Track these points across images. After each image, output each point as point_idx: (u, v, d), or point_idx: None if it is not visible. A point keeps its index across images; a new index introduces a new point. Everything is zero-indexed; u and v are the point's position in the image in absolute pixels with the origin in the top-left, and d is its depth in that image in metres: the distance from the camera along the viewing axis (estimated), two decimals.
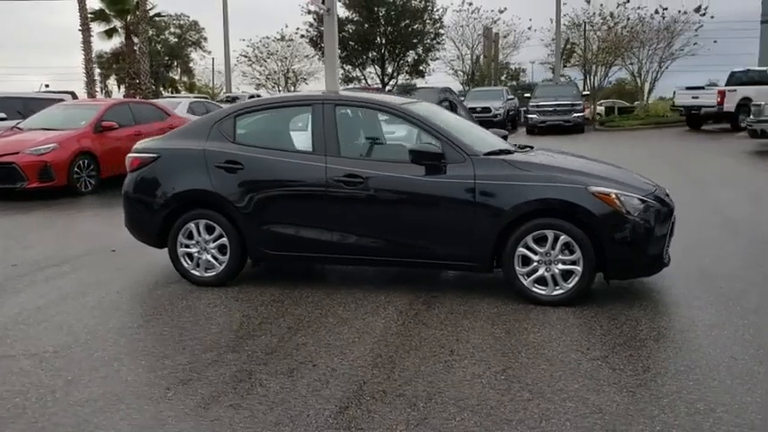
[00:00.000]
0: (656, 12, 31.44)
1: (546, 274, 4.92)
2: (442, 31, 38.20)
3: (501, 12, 37.36)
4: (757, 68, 27.62)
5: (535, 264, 4.93)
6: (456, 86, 35.45)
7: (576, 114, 26.50)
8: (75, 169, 11.49)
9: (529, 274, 4.97)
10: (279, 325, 4.70)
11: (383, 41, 37.59)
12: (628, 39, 32.32)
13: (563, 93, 27.79)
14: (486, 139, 5.62)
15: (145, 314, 5.03)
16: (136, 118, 13.08)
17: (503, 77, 43.21)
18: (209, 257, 5.63)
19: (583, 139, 23.00)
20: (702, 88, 25.96)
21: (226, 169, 5.47)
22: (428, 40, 38.44)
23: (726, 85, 25.91)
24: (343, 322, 4.72)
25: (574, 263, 4.86)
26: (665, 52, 31.96)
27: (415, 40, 37.85)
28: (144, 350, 4.30)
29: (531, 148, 5.64)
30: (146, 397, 3.61)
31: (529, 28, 50.06)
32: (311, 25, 37.86)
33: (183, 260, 5.70)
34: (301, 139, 5.58)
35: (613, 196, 4.81)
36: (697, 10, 31.09)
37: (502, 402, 3.44)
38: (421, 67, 39.11)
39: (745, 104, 24.62)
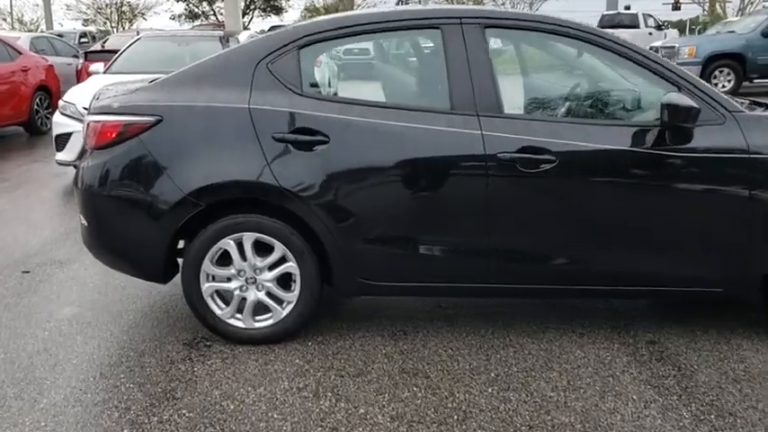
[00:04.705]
0: None
1: None
2: None
3: None
4: (626, 12, 27.82)
5: None
6: None
7: None
8: None
9: None
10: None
11: None
12: None
13: None
14: None
15: (205, 417, 2.59)
16: None
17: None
18: (261, 296, 3.22)
19: None
20: None
21: (295, 144, 3.05)
22: None
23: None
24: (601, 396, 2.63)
25: None
26: None
27: None
28: None
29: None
30: None
31: None
32: None
33: (211, 302, 3.25)
34: (427, 89, 3.26)
35: None
36: None
37: None
38: (276, 2, 35.72)
39: None
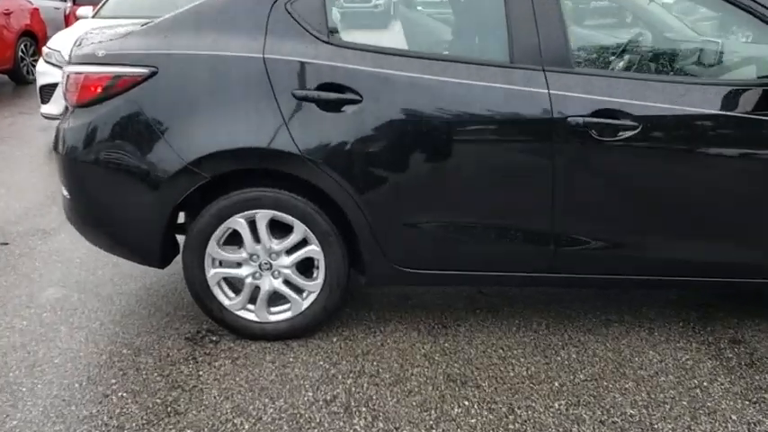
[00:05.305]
0: None
1: None
2: None
3: None
4: None
5: None
6: None
7: None
8: None
9: None
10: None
11: None
12: None
13: None
14: None
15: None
16: None
17: None
18: (277, 284, 2.70)
19: None
20: None
21: (320, 103, 2.49)
22: None
23: None
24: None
25: None
26: None
27: None
28: None
29: None
30: None
31: None
32: None
33: (218, 291, 2.73)
34: (481, 37, 2.69)
35: None
36: None
37: None
38: None
39: None
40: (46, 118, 6.23)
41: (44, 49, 6.43)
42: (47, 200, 4.62)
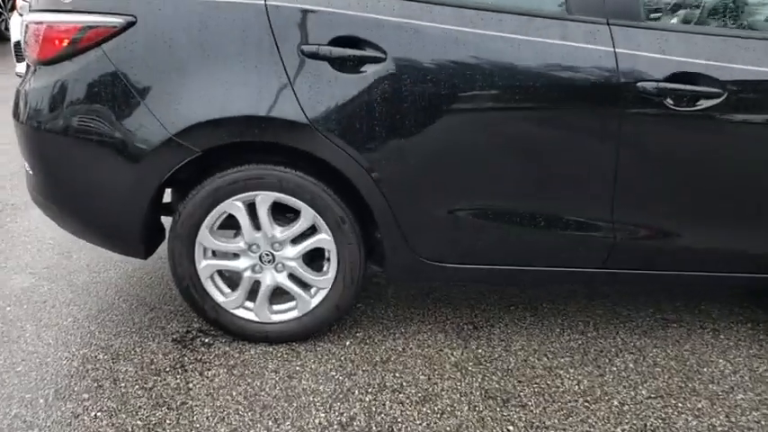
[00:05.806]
0: None
1: None
2: None
3: None
4: None
5: None
6: None
7: None
8: None
9: None
10: None
11: None
12: None
13: None
14: None
15: None
16: None
17: None
18: (281, 279, 2.27)
19: None
20: None
21: (335, 61, 2.02)
22: None
23: None
24: None
25: None
26: None
27: None
28: None
29: None
30: None
31: None
32: None
33: (210, 285, 2.29)
34: None
35: None
36: None
37: None
38: None
39: None
40: (21, 77, 5.69)
41: (18, 2, 5.87)
42: (20, 170, 4.15)
